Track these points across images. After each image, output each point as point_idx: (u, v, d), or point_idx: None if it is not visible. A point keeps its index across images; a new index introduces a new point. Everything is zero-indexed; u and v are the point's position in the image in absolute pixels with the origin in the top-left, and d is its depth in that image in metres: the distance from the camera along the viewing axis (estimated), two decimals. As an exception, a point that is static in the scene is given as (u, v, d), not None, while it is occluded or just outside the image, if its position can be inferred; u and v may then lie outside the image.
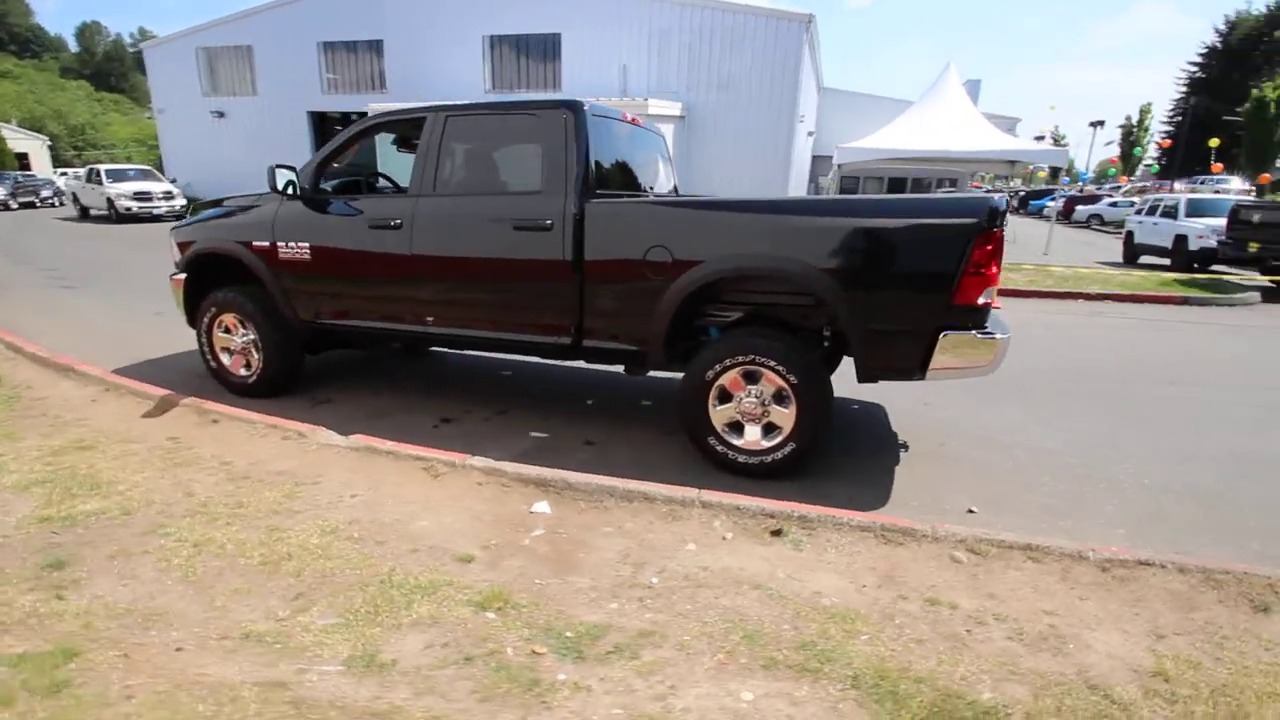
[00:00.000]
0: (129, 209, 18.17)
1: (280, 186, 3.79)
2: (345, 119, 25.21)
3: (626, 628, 2.07)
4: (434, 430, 3.94)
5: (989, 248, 2.74)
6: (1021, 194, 34.35)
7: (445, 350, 5.41)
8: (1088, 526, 2.92)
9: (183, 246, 4.41)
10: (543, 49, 19.49)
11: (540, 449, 3.65)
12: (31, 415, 3.93)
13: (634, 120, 4.05)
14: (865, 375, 3.06)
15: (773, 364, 3.09)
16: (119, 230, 16.35)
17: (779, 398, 3.18)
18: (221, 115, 23.20)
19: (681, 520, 2.79)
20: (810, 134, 20.19)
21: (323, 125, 23.29)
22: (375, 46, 21.05)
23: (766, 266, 3.01)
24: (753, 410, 3.21)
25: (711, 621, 2.11)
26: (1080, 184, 41.75)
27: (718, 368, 3.18)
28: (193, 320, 4.56)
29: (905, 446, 3.79)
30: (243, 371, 4.42)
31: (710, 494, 2.90)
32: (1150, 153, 47.65)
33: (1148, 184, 32.36)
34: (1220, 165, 27.98)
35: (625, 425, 4.05)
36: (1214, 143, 28.10)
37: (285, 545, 2.49)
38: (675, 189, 4.70)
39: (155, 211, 18.73)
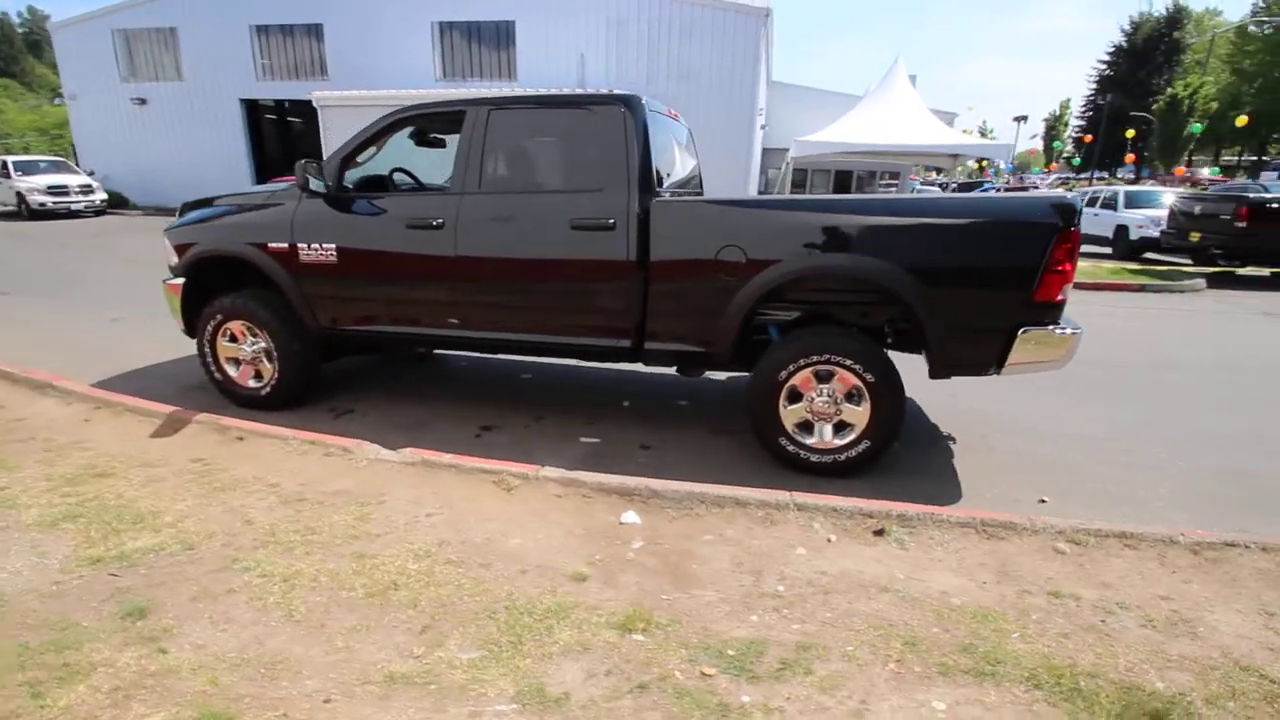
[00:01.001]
0: (43, 205, 16.64)
1: (313, 186, 3.51)
2: (280, 106, 23.84)
3: (783, 641, 2.02)
4: (477, 439, 3.76)
5: (1068, 245, 2.81)
6: (954, 186, 35.98)
7: (453, 352, 5.19)
8: (1150, 510, 3.05)
9: (180, 249, 4.04)
10: (496, 37, 18.93)
11: (596, 455, 3.54)
12: (17, 439, 3.53)
13: (674, 114, 3.96)
14: (940, 372, 3.10)
15: (849, 362, 3.09)
16: (35, 229, 14.95)
17: (851, 396, 3.18)
18: (143, 102, 21.45)
19: (779, 524, 2.76)
20: (763, 127, 20.43)
21: (255, 113, 21.93)
22: (314, 31, 19.92)
23: (848, 266, 2.99)
24: (825, 409, 3.20)
25: (862, 629, 2.08)
26: (1006, 176, 44.14)
27: (791, 368, 3.16)
28: (191, 329, 4.20)
29: (953, 439, 3.87)
30: (253, 383, 4.10)
31: (804, 496, 2.88)
32: (1069, 146, 50.73)
33: (1069, 176, 34.56)
34: (1133, 155, 30.09)
35: (673, 427, 3.98)
36: (1130, 134, 30.18)
37: (384, 573, 2.31)
38: (700, 181, 4.63)
39: (73, 207, 17.21)
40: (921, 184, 28.29)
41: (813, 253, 3.02)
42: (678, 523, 2.78)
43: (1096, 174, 31.40)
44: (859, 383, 3.12)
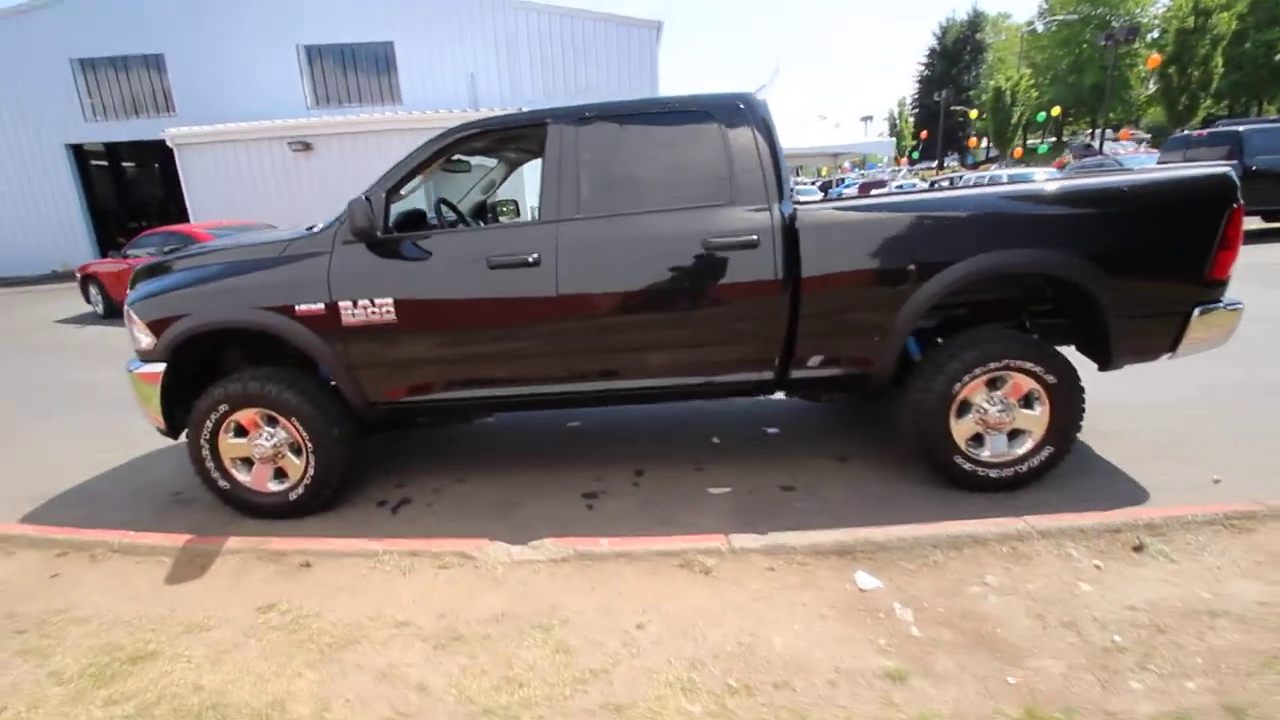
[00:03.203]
0: None
1: (364, 225, 2.76)
2: (113, 152, 20.71)
3: (1204, 708, 1.69)
4: (591, 510, 3.15)
5: (1237, 220, 2.75)
6: (820, 183, 38.51)
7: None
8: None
9: (158, 326, 3.08)
10: (374, 60, 17.61)
11: (746, 507, 3.06)
12: (-43, 623, 2.47)
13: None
14: (1115, 361, 2.94)
15: (1029, 365, 2.85)
16: None
17: (1027, 401, 2.95)
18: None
19: (1033, 558, 2.44)
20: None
21: (81, 159, 18.87)
22: (154, 62, 17.51)
23: (1031, 261, 2.75)
24: (999, 419, 2.95)
25: (1255, 671, 1.80)
26: (864, 171, 48.01)
27: (966, 379, 2.87)
28: (174, 426, 3.23)
29: (1072, 428, 3.77)
30: (274, 485, 3.20)
31: (1038, 519, 2.59)
32: (910, 140, 56.06)
33: (912, 167, 38.37)
34: (975, 140, 33.73)
35: (791, 459, 3.57)
36: (974, 114, 33.77)
37: (672, 730, 1.73)
38: None
39: None
40: (797, 182, 29.86)
41: (989, 251, 2.76)
42: (922, 577, 2.39)
43: (945, 162, 35.00)
44: (1037, 386, 2.89)
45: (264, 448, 3.14)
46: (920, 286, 2.79)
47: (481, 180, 4.31)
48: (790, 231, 2.82)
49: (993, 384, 2.93)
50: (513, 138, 3.26)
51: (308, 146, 14.61)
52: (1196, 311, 2.82)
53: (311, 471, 3.13)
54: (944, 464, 2.99)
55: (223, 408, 3.07)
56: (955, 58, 61.95)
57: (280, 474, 3.22)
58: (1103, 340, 2.90)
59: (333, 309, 2.95)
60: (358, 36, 17.30)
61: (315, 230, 3.14)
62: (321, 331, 2.98)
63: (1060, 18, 41.79)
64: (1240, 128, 10.09)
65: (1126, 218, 2.77)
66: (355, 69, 17.76)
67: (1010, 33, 64.08)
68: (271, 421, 3.13)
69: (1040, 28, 52.93)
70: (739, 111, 2.86)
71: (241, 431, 3.17)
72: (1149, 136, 39.93)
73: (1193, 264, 2.78)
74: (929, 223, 2.81)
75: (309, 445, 3.10)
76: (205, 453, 3.14)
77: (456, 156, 3.63)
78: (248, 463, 3.21)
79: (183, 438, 3.25)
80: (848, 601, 2.27)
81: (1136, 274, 2.80)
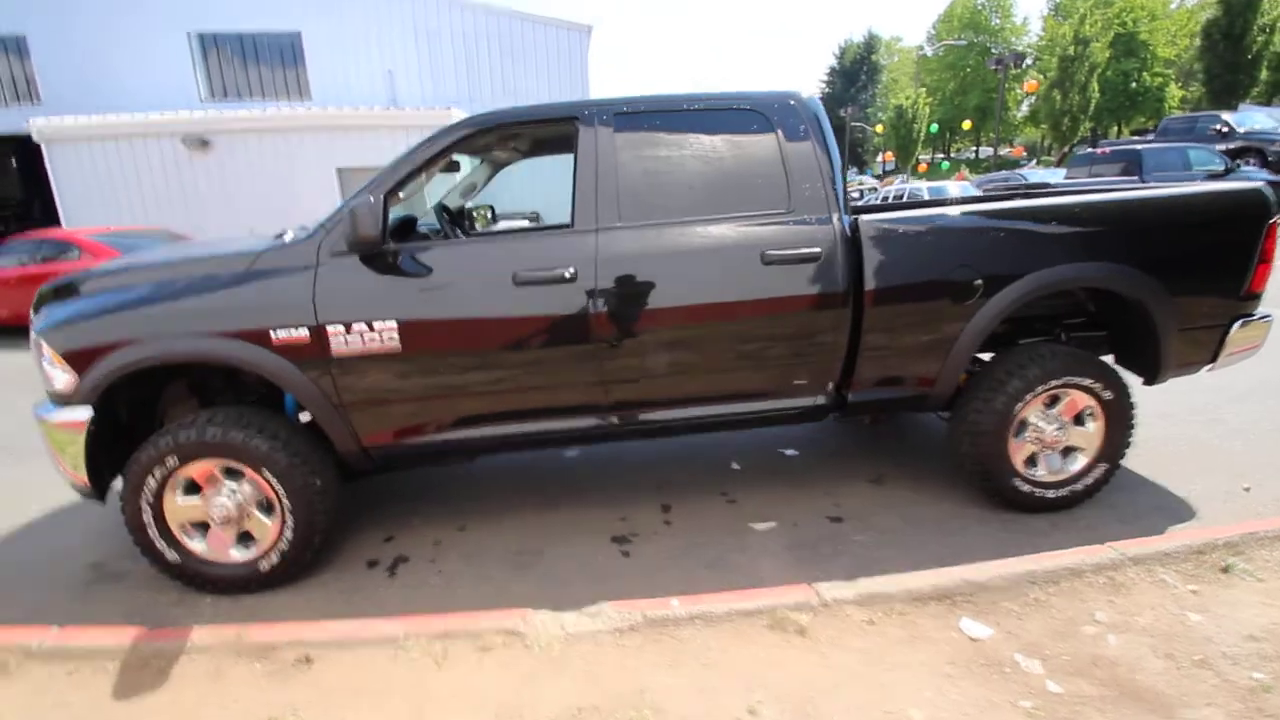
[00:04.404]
0: None
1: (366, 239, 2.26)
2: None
3: None
4: (628, 558, 2.77)
5: (1274, 234, 2.78)
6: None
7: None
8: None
9: (79, 359, 2.41)
10: (278, 51, 16.18)
11: (801, 544, 2.78)
12: None
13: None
14: (1161, 375, 2.90)
15: (1088, 381, 2.76)
16: None
17: (1080, 417, 2.86)
18: None
19: (1131, 588, 2.31)
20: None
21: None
22: (15, 45, 15.26)
23: (1097, 275, 2.65)
24: (1056, 437, 2.84)
25: None
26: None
27: (1028, 397, 2.74)
28: (102, 486, 2.58)
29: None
30: (239, 554, 2.61)
31: (1125, 545, 2.48)
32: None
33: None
34: (890, 154, 35.73)
35: (828, 485, 3.33)
36: (878, 128, 35.71)
37: None
38: None
39: None
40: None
41: (1058, 264, 2.63)
42: (1030, 620, 2.19)
43: (849, 175, 37.00)
44: (1093, 402, 2.80)
45: (225, 508, 2.54)
46: (988, 301, 2.63)
47: (460, 183, 3.82)
48: (852, 243, 2.58)
49: (1050, 401, 2.82)
50: (529, 135, 2.86)
51: (205, 144, 13.15)
52: (1237, 324, 2.83)
53: (288, 534, 2.57)
54: (1002, 487, 2.85)
55: (171, 461, 2.46)
56: (853, 77, 65.62)
57: (246, 538, 2.63)
58: (1153, 354, 2.85)
59: (319, 335, 2.42)
60: (260, 25, 15.83)
61: (288, 240, 2.59)
62: (303, 363, 2.44)
63: (948, 42, 45.09)
64: (1139, 146, 11.01)
65: (1179, 231, 2.74)
66: (258, 60, 16.24)
67: (903, 55, 68.80)
68: (233, 474, 2.55)
69: (929, 52, 57.07)
70: (792, 111, 2.60)
71: (194, 488, 2.56)
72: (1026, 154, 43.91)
73: (1235, 277, 2.79)
74: (997, 234, 2.66)
75: (284, 501, 2.53)
76: (147, 518, 2.50)
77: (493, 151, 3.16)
78: (204, 527, 2.60)
79: (113, 499, 2.59)
80: (965, 655, 2.04)
81: (1188, 287, 2.76)
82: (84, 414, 2.43)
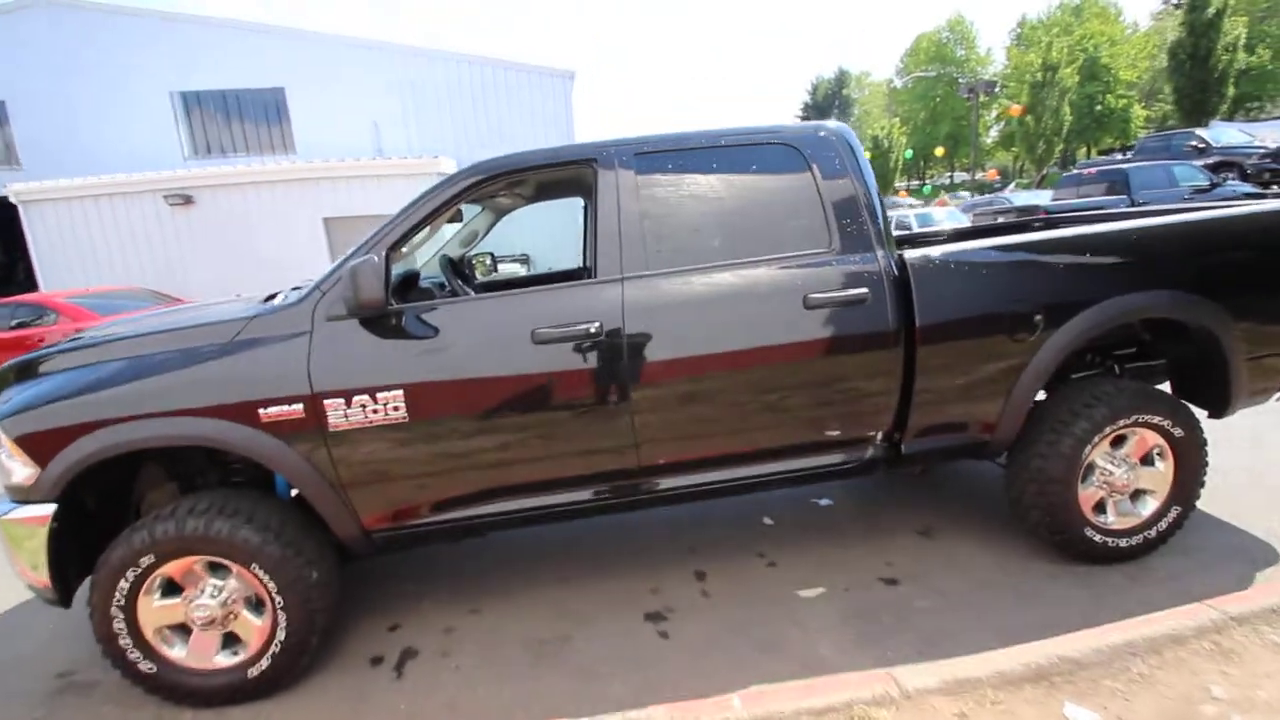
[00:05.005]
0: None
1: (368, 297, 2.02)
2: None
3: None
4: (665, 640, 2.47)
5: None
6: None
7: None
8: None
9: (40, 449, 2.12)
10: (262, 107, 16.19)
11: (856, 614, 2.50)
12: None
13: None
14: (1232, 406, 2.69)
15: (1157, 419, 2.54)
16: None
17: (1149, 457, 2.63)
18: None
19: (1241, 653, 2.05)
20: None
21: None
22: (-8, 109, 15.18)
23: (1166, 304, 2.45)
24: (1125, 481, 2.60)
25: None
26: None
27: (1097, 439, 2.51)
28: (66, 589, 2.26)
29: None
30: (225, 659, 2.29)
31: (1223, 603, 2.23)
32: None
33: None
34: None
35: (871, 539, 3.06)
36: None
37: None
38: None
39: None
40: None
41: (1123, 293, 2.43)
42: (1139, 699, 1.92)
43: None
44: (1162, 441, 2.58)
45: (208, 608, 2.24)
46: (1051, 336, 2.42)
47: (461, 231, 3.61)
48: (900, 281, 2.37)
49: (1117, 441, 2.59)
50: (541, 179, 2.66)
51: (188, 200, 12.99)
52: (1303, 351, 2.64)
53: (281, 635, 2.26)
54: (1074, 539, 2.60)
55: (146, 560, 2.15)
56: (826, 111, 67.51)
57: (232, 639, 2.31)
58: (1222, 384, 2.64)
59: (315, 408, 2.15)
60: (243, 82, 15.85)
61: (277, 303, 2.35)
62: (297, 440, 2.16)
63: (918, 74, 46.48)
64: (1125, 166, 11.11)
65: (1247, 253, 2.56)
66: (241, 117, 16.21)
67: (873, 89, 70.96)
68: (218, 569, 2.25)
69: (899, 84, 58.85)
70: (826, 144, 2.42)
71: (173, 588, 2.25)
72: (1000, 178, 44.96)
73: (1301, 301, 2.60)
74: (1054, 264, 2.46)
75: (276, 599, 2.23)
76: (119, 625, 2.19)
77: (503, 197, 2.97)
78: (183, 630, 2.28)
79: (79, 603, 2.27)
80: (1080, 752, 1.75)
81: (1257, 312, 2.57)
82: (46, 510, 2.13)
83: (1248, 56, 29.92)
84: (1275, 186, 13.01)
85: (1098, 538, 2.60)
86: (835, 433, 2.45)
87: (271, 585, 2.21)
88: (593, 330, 2.22)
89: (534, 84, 16.43)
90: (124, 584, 2.17)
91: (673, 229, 2.35)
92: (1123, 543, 2.63)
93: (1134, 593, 2.48)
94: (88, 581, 2.25)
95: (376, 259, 2.04)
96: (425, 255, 3.53)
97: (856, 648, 2.29)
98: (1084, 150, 42.98)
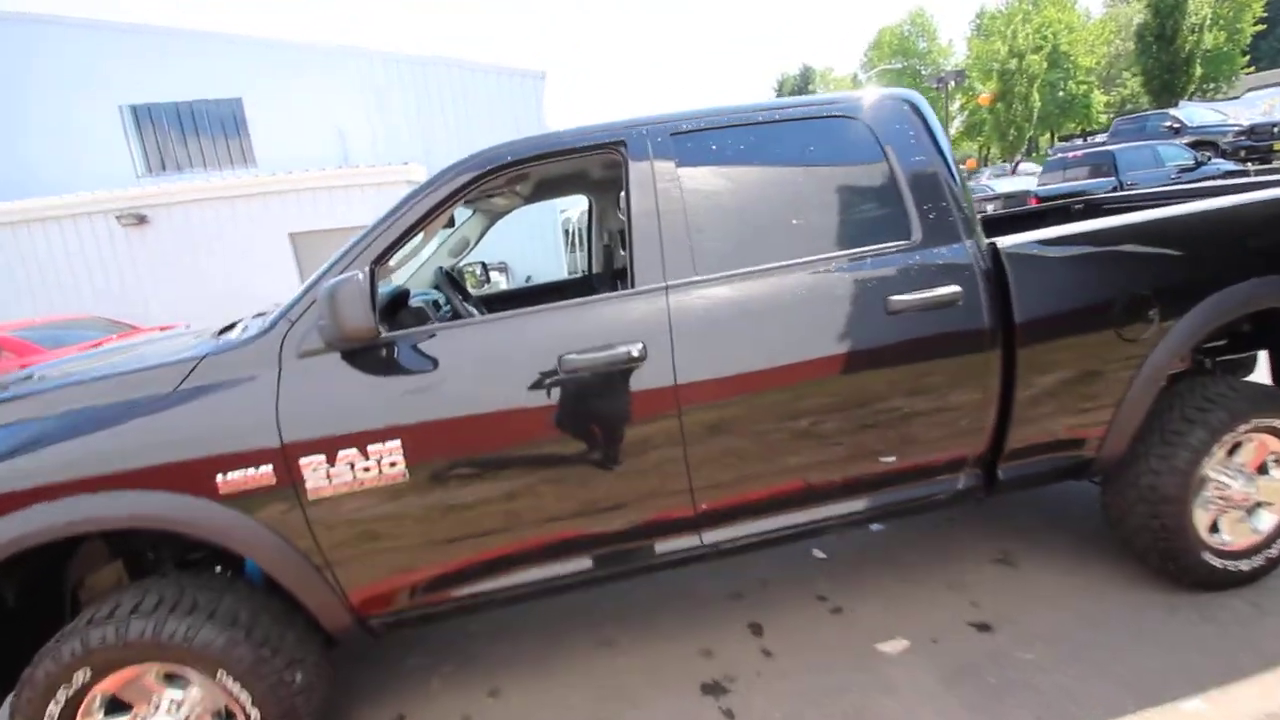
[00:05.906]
0: None
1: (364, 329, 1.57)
2: None
3: None
4: (731, 717, 2.05)
5: None
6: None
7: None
8: None
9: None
10: (219, 119, 15.42)
11: (953, 673, 2.11)
12: None
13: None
14: None
15: (1277, 422, 2.19)
16: None
17: (1264, 466, 2.29)
18: None
19: None
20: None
21: None
22: (-77, 132, 14.20)
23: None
24: (1242, 494, 2.25)
25: None
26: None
27: (1214, 449, 2.16)
28: (-21, 718, 1.78)
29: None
30: (189, 789, 1.81)
31: None
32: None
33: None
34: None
35: (945, 570, 2.68)
36: None
37: None
38: None
39: None
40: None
41: (1244, 279, 2.08)
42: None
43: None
44: (1281, 446, 2.24)
45: (164, 725, 1.76)
46: (1169, 331, 2.06)
47: (451, 239, 3.16)
48: (995, 274, 1.99)
49: (1231, 450, 2.24)
50: (551, 172, 2.24)
51: (142, 219, 12.22)
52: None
53: (261, 751, 1.79)
54: (1191, 564, 2.24)
55: (81, 676, 1.67)
56: (791, 109, 67.79)
57: (199, 763, 1.83)
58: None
59: (289, 470, 1.69)
60: (197, 94, 15.07)
61: (234, 337, 1.88)
62: (265, 511, 1.70)
63: (884, 66, 46.76)
64: (1111, 148, 11.00)
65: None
66: (197, 130, 15.40)
67: (837, 84, 71.47)
68: (175, 679, 1.78)
69: (864, 78, 59.26)
70: (901, 115, 2.03)
71: (119, 706, 1.77)
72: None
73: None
74: (1166, 251, 2.10)
75: (250, 711, 1.77)
76: (48, 760, 1.70)
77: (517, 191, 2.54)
78: (134, 755, 1.80)
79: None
80: None
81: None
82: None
83: (1211, 37, 30.51)
84: (1251, 163, 13.09)
85: (1217, 562, 2.25)
86: (923, 459, 2.06)
87: (244, 696, 1.75)
88: (635, 354, 1.79)
89: (503, 85, 15.92)
90: (54, 708, 1.69)
91: (723, 224, 1.93)
92: (1243, 565, 2.28)
93: (1265, 623, 2.14)
94: (7, 703, 1.77)
95: (360, 276, 1.59)
96: (406, 270, 3.09)
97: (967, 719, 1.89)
98: (1047, 137, 43.58)
